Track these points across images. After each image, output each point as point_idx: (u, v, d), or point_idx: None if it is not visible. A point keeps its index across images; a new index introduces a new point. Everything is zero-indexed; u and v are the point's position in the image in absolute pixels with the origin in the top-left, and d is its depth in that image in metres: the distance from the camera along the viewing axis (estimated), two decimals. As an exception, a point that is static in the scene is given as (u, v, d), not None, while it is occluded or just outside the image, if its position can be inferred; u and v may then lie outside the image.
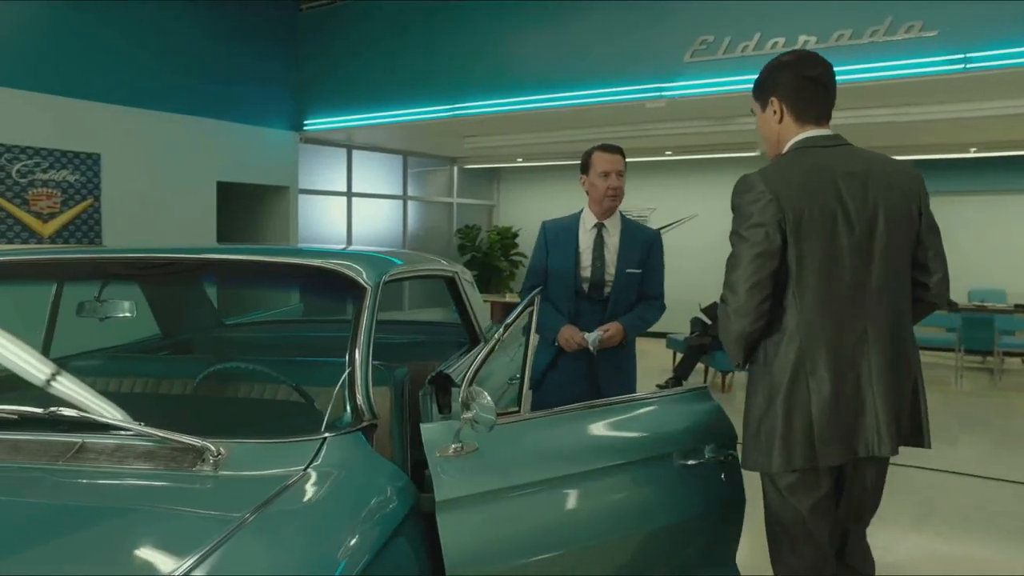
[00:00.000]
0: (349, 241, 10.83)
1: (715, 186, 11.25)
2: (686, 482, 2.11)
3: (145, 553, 1.27)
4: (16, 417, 1.70)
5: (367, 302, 2.06)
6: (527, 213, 12.60)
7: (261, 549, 1.29)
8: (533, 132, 8.66)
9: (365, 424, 1.83)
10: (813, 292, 1.94)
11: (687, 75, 6.63)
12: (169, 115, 7.81)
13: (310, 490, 1.52)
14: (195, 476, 1.54)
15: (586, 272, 3.13)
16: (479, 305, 3.42)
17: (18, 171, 6.75)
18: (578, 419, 2.07)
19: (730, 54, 6.40)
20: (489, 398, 1.76)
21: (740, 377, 8.73)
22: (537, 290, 2.15)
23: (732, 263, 2.00)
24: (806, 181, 1.97)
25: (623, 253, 3.12)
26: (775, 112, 2.10)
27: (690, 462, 2.12)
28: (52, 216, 7.01)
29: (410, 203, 11.95)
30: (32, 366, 2.07)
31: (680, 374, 7.77)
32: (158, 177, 7.76)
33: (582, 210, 3.27)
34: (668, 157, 10.24)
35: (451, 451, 1.81)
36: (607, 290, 3.11)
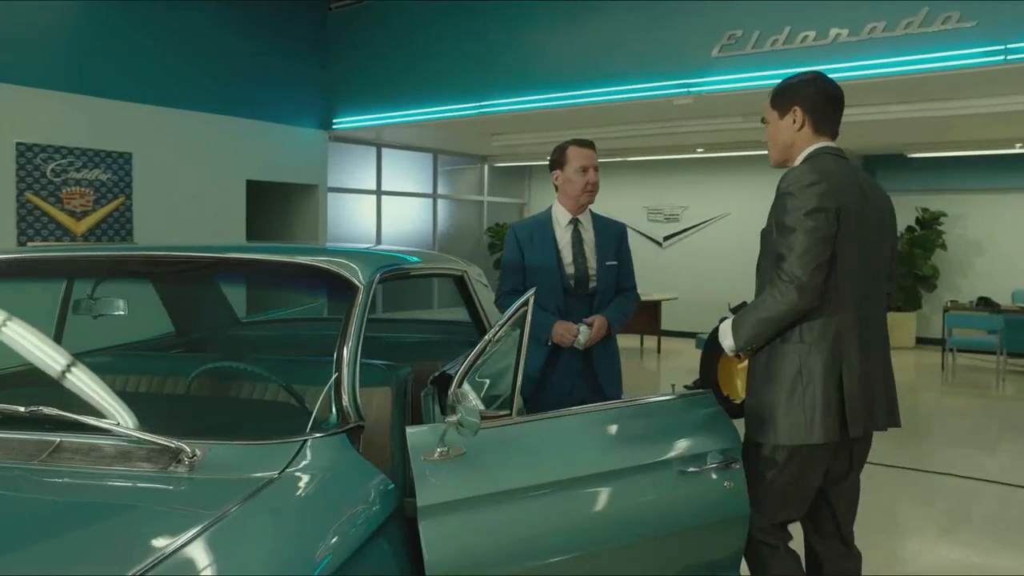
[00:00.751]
0: (378, 239, 10.86)
1: (748, 184, 11.09)
2: (686, 489, 2.03)
3: (97, 555, 1.24)
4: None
5: (358, 301, 2.02)
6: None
7: (218, 555, 1.26)
8: (560, 130, 8.56)
9: (351, 426, 1.79)
10: (847, 281, 2.17)
11: (715, 71, 6.50)
12: (199, 114, 7.90)
13: (281, 495, 1.49)
14: (168, 477, 1.51)
15: (570, 269, 3.10)
16: (492, 305, 3.38)
17: (52, 170, 6.88)
18: (572, 423, 2.01)
19: (759, 49, 6.26)
20: (475, 400, 1.71)
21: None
22: (533, 289, 2.09)
23: (793, 245, 2.11)
24: (842, 182, 2.20)
25: (600, 247, 3.12)
26: (795, 121, 2.29)
27: (690, 469, 2.04)
28: (85, 214, 7.13)
29: (440, 201, 11.95)
30: (37, 360, 2.08)
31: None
32: (188, 176, 7.85)
33: (550, 208, 3.22)
34: (700, 155, 10.08)
35: (436, 455, 1.76)
36: (592, 284, 3.10)
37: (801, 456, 2.16)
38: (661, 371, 9.47)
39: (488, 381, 2.29)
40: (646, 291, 11.77)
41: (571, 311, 3.08)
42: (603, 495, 1.91)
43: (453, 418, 1.73)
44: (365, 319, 2.01)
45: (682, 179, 11.18)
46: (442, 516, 1.69)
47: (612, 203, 11.81)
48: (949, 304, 9.38)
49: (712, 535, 2.08)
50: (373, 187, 10.80)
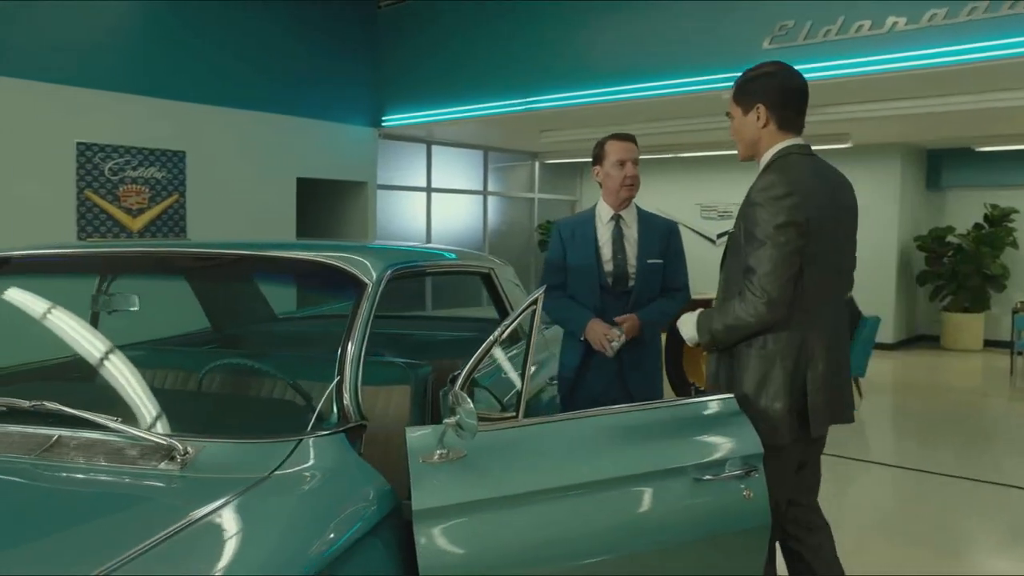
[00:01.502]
0: (428, 236, 10.91)
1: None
2: (701, 498, 1.93)
3: (61, 553, 1.23)
4: (4, 408, 1.71)
5: (366, 298, 1.99)
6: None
7: (186, 556, 1.24)
8: (609, 125, 8.42)
9: (351, 426, 1.76)
10: (815, 287, 2.20)
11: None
12: (251, 113, 8.04)
13: (266, 495, 1.46)
14: (157, 474, 1.51)
15: (608, 266, 3.03)
16: (520, 300, 3.33)
17: (110, 169, 7.09)
18: (581, 427, 1.94)
19: (812, 39, 6.04)
20: (471, 403, 1.66)
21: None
22: (540, 289, 2.03)
23: (761, 259, 2.13)
24: (813, 186, 2.20)
25: (643, 244, 3.04)
26: (758, 118, 2.25)
27: (707, 477, 1.95)
28: (141, 211, 7.33)
29: (490, 198, 11.94)
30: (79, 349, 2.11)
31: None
32: (240, 174, 8.00)
33: (595, 205, 3.16)
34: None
35: (436, 457, 1.72)
36: (631, 283, 3.02)
37: (769, 453, 2.12)
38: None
39: (539, 378, 2.22)
40: (700, 289, 11.47)
41: (607, 310, 3.01)
42: (611, 502, 1.83)
43: (452, 420, 1.69)
44: (372, 317, 1.98)
45: (737, 175, 10.87)
46: (438, 520, 1.64)
47: (665, 200, 11.62)
48: (1019, 305, 8.97)
49: (728, 547, 1.98)
50: (423, 184, 10.84)
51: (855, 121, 7.65)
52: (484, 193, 11.84)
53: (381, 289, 2.06)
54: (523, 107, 8.15)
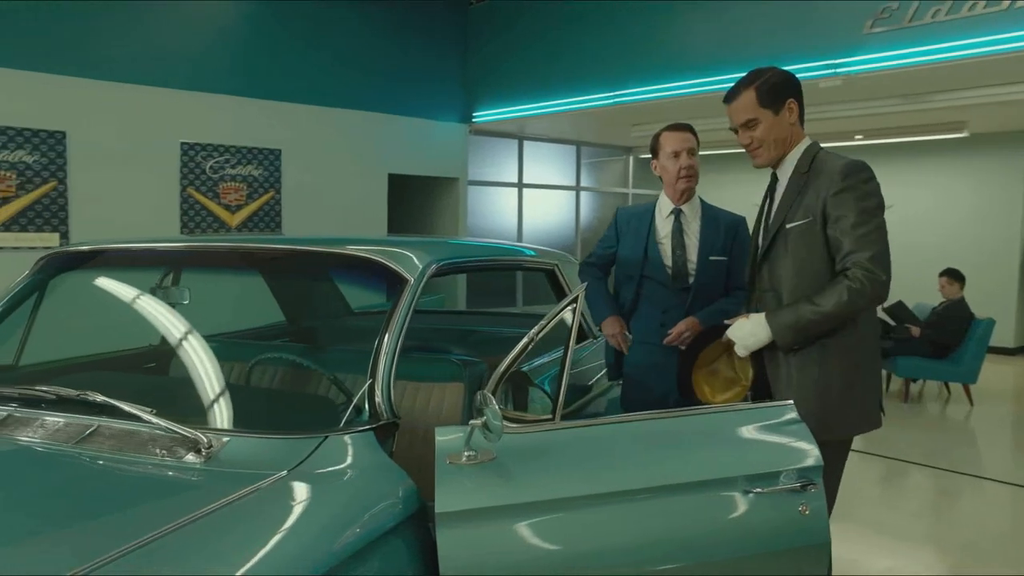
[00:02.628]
0: (519, 232, 10.90)
1: (913, 173, 10.13)
2: (750, 512, 1.80)
3: (71, 540, 1.25)
4: (54, 397, 1.77)
5: (406, 293, 1.97)
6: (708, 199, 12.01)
7: (196, 547, 1.23)
8: (701, 118, 8.17)
9: (380, 424, 1.74)
10: None
11: (867, 48, 5.93)
12: (343, 111, 8.24)
13: (282, 491, 1.45)
14: (180, 466, 1.53)
15: (667, 261, 2.91)
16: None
17: (211, 167, 7.41)
18: (622, 431, 1.85)
19: (919, 21, 5.64)
20: (496, 404, 1.60)
21: (931, 386, 7.76)
22: (581, 287, 1.95)
23: (878, 237, 2.15)
24: None
25: (705, 240, 2.91)
26: (791, 113, 2.30)
27: (758, 489, 1.82)
28: (239, 208, 7.64)
29: (583, 194, 11.82)
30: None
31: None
32: (333, 171, 8.21)
33: (658, 198, 3.05)
34: (859, 142, 9.30)
35: (464, 459, 1.67)
36: (691, 279, 2.89)
37: (845, 448, 2.29)
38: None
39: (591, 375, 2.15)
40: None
41: (670, 308, 2.90)
42: (648, 513, 1.73)
43: (478, 421, 1.64)
44: (410, 313, 1.95)
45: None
46: (461, 524, 1.59)
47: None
48: None
49: (781, 566, 1.84)
50: (514, 180, 10.84)
51: (972, 108, 7.11)
52: (577, 189, 11.73)
53: (422, 285, 2.03)
54: (613, 100, 8.01)
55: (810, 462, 1.88)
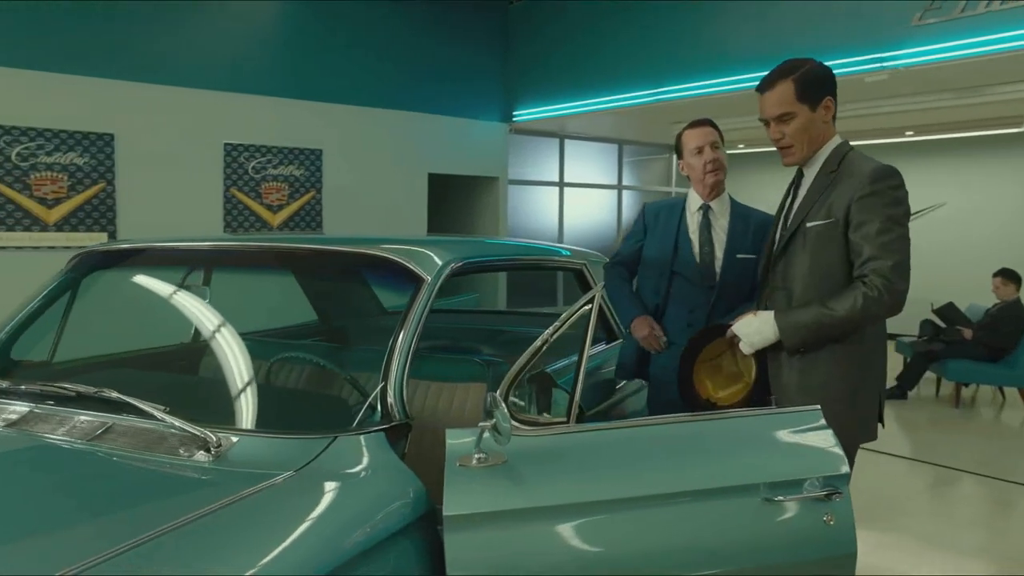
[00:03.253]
0: (560, 231, 10.85)
1: (968, 169, 9.79)
2: (770, 521, 1.74)
3: (67, 537, 1.26)
4: (74, 394, 1.80)
5: (422, 292, 1.95)
6: (752, 201, 11.80)
7: (193, 548, 1.23)
8: (742, 116, 8.04)
9: (392, 425, 1.72)
10: None
11: (915, 41, 5.74)
12: (383, 111, 8.29)
13: (286, 492, 1.45)
14: (188, 465, 1.53)
15: (696, 258, 2.85)
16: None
17: (253, 167, 7.53)
18: (639, 435, 1.80)
19: (971, 12, 5.43)
20: (504, 406, 1.57)
21: (984, 391, 7.48)
22: (598, 287, 1.90)
23: (902, 247, 2.07)
24: None
25: (732, 237, 2.84)
26: (827, 110, 2.18)
27: (780, 497, 1.75)
28: (281, 208, 7.74)
29: (625, 192, 11.71)
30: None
31: (904, 384, 6.83)
32: (373, 170, 8.27)
33: (688, 194, 2.99)
34: (910, 138, 9.03)
35: (474, 461, 1.64)
36: (717, 278, 2.83)
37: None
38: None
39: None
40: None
41: (697, 306, 2.83)
42: (663, 520, 1.68)
43: (488, 423, 1.61)
44: (426, 313, 1.93)
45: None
46: (469, 528, 1.57)
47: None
48: None
49: (802, 577, 1.78)
50: (555, 179, 10.79)
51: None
52: (619, 187, 11.62)
53: (438, 285, 2.01)
54: (654, 97, 7.91)
55: (836, 470, 1.81)
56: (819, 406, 1.91)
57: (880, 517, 4.20)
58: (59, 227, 6.53)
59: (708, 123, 2.91)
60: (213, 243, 2.35)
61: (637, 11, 7.95)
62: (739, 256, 2.83)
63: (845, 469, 1.81)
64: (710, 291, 2.81)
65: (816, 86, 2.17)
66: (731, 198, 2.96)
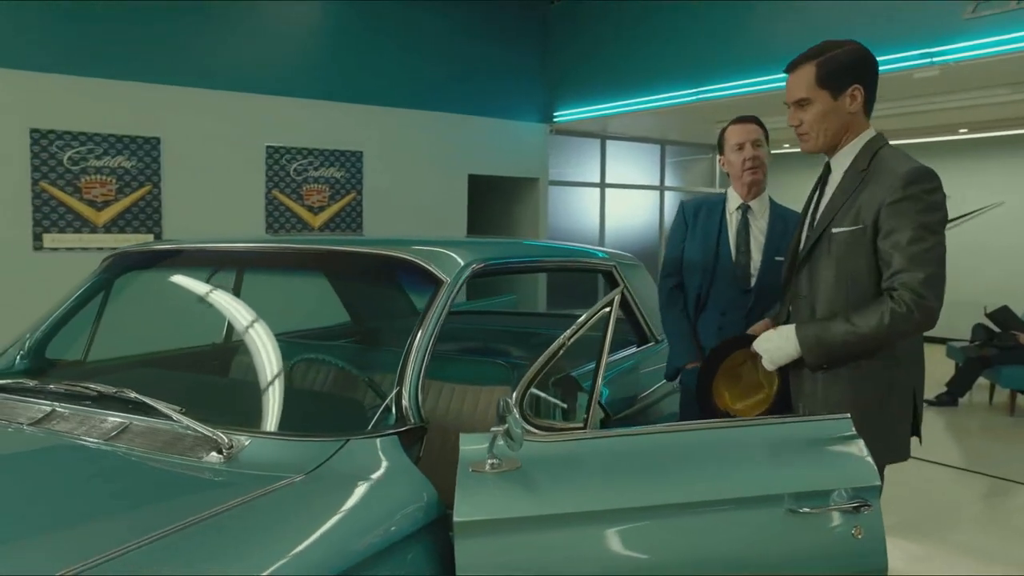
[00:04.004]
0: (601, 232, 10.77)
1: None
2: (795, 533, 1.67)
3: (69, 537, 1.26)
4: (95, 393, 1.82)
5: (441, 294, 1.93)
6: (797, 203, 11.57)
7: (196, 549, 1.23)
8: (785, 115, 7.86)
9: (406, 428, 1.71)
10: None
11: (967, 34, 5.54)
12: (423, 112, 8.33)
13: (296, 495, 1.44)
14: (199, 466, 1.53)
15: (731, 259, 2.78)
16: (651, 301, 3.14)
17: (295, 169, 7.63)
18: (659, 442, 1.75)
19: (1026, 4, 5.23)
20: (516, 411, 1.54)
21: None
22: (616, 290, 1.85)
23: (936, 258, 1.95)
24: None
25: (771, 239, 2.76)
26: (852, 100, 2.04)
27: (805, 509, 1.69)
28: (321, 209, 7.83)
29: (668, 193, 11.57)
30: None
31: (955, 390, 6.61)
32: (413, 172, 8.31)
33: (727, 192, 2.92)
34: (963, 135, 8.73)
35: (487, 467, 1.61)
36: (753, 281, 2.75)
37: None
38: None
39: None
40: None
41: (728, 308, 2.76)
42: (681, 531, 1.62)
43: (500, 428, 1.58)
44: (444, 315, 1.91)
45: (943, 165, 9.67)
46: (479, 534, 1.54)
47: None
48: None
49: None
50: (596, 180, 10.71)
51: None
52: (661, 188, 11.49)
53: (458, 287, 1.99)
54: (695, 97, 7.79)
55: (865, 481, 1.73)
56: (848, 414, 1.83)
57: (926, 529, 4.05)
58: (107, 229, 6.70)
59: (753, 120, 2.84)
60: (234, 244, 2.36)
61: (679, 10, 7.84)
62: (777, 259, 2.72)
63: (876, 480, 1.74)
64: (746, 295, 2.73)
65: (841, 72, 2.02)
66: (771, 199, 2.89)
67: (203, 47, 7.02)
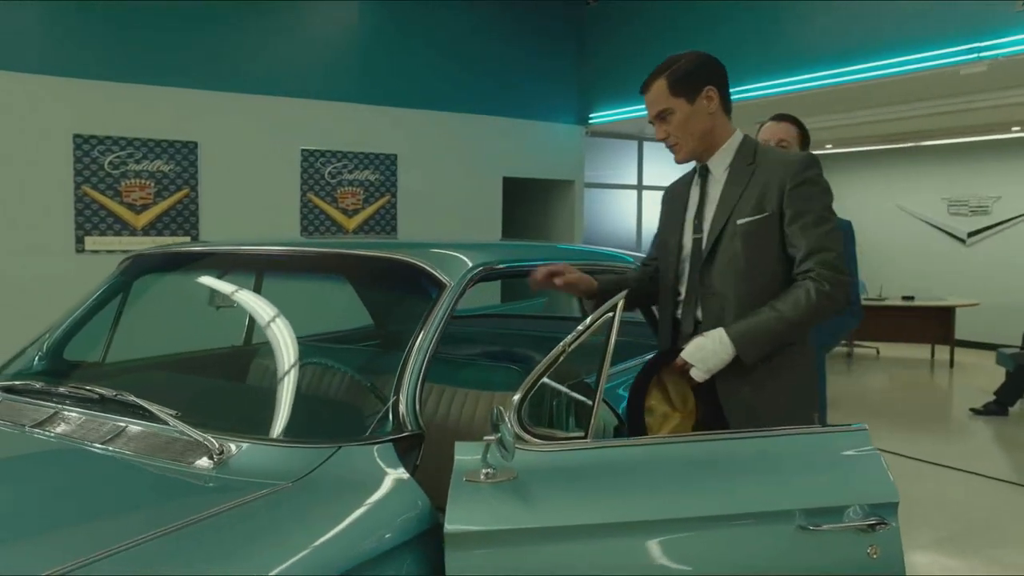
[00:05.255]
0: (638, 235, 10.65)
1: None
2: (807, 552, 1.59)
3: (42, 542, 1.25)
4: (97, 396, 1.82)
5: (443, 298, 1.89)
6: (843, 204, 11.29)
7: (168, 557, 1.20)
8: (829, 114, 7.67)
9: (402, 435, 1.67)
10: None
11: (1018, 28, 5.32)
12: (458, 115, 8.32)
13: (278, 504, 1.40)
14: (186, 471, 1.52)
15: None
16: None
17: (330, 172, 7.69)
18: (663, 453, 1.68)
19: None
20: (508, 419, 1.49)
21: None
22: (620, 295, 1.78)
23: (834, 240, 1.99)
24: None
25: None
26: (710, 101, 2.09)
27: (819, 525, 1.60)
28: (356, 212, 7.87)
29: (707, 195, 11.38)
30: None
31: (1005, 398, 6.35)
32: (447, 175, 8.31)
33: None
34: (1016, 134, 8.41)
35: (482, 476, 1.57)
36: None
37: None
38: (953, 388, 8.09)
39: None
40: (942, 293, 10.17)
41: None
42: (683, 547, 1.56)
43: (493, 436, 1.53)
44: (446, 319, 1.87)
45: (994, 165, 9.40)
46: (471, 546, 1.49)
47: (906, 195, 10.36)
48: None
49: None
50: (633, 182, 10.59)
51: None
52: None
53: (463, 289, 1.95)
54: (733, 97, 7.64)
55: (883, 497, 1.64)
56: (866, 425, 1.74)
57: (969, 545, 3.88)
58: (146, 231, 6.83)
59: (788, 120, 2.76)
60: (247, 248, 2.35)
61: (714, 10, 7.71)
62: (740, 222, 2.29)
63: (894, 497, 1.65)
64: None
65: (691, 78, 2.09)
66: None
67: (240, 52, 7.11)
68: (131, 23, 6.59)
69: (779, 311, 1.93)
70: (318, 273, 2.27)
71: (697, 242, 2.13)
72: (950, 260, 9.99)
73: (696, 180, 2.23)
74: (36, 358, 2.34)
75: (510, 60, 8.68)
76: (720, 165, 2.14)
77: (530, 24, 8.81)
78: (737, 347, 1.92)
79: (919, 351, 9.32)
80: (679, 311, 2.16)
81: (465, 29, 8.35)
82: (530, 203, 9.67)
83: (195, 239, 7.02)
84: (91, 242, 6.65)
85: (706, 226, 2.12)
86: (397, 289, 2.33)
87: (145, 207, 6.83)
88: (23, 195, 6.31)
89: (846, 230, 2.69)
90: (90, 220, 6.61)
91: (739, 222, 2.03)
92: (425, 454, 1.68)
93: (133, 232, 6.78)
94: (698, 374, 1.95)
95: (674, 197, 2.33)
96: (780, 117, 2.76)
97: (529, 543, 1.50)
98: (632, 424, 2.03)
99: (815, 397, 2.14)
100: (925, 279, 9.95)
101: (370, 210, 7.93)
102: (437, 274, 1.93)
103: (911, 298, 8.96)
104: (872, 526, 1.61)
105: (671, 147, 2.18)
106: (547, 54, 8.97)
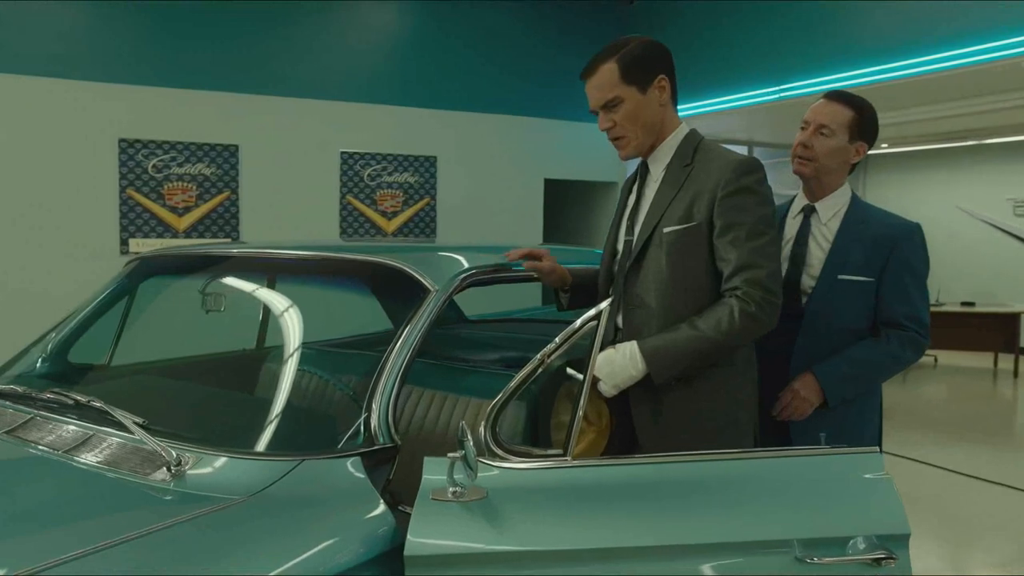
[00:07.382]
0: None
1: None
2: (805, 586, 1.45)
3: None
4: (72, 402, 1.78)
5: (426, 305, 1.81)
6: (899, 205, 10.86)
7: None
8: (885, 111, 7.34)
9: (372, 449, 1.58)
10: None
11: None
12: (498, 116, 8.25)
13: (224, 522, 1.33)
14: (141, 483, 1.46)
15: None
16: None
17: (369, 175, 7.69)
18: (650, 474, 1.55)
19: None
20: (470, 436, 1.39)
21: None
22: (605, 303, 1.65)
23: (774, 253, 1.85)
24: None
25: (841, 250, 2.15)
26: (661, 92, 1.92)
27: (818, 558, 1.46)
28: (395, 214, 7.86)
29: (757, 197, 11.09)
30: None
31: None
32: (488, 176, 8.24)
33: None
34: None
35: (449, 494, 1.47)
36: (803, 300, 2.17)
37: None
38: (1018, 399, 7.67)
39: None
40: (1005, 299, 9.70)
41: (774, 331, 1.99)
42: (665, 576, 1.43)
43: (457, 453, 1.43)
44: (428, 326, 1.78)
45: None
46: (431, 570, 1.39)
47: (970, 196, 9.90)
48: None
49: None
50: (679, 183, 10.37)
51: None
52: (749, 191, 11.02)
53: (449, 295, 1.86)
54: (777, 96, 7.40)
55: (892, 528, 1.49)
56: (878, 448, 1.59)
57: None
58: (188, 234, 6.92)
59: (840, 100, 2.22)
60: (248, 250, 2.31)
61: (759, 7, 7.48)
62: (843, 277, 2.14)
63: (905, 528, 1.49)
64: (795, 320, 2.12)
65: (645, 64, 1.90)
66: (855, 197, 2.27)
67: (279, 56, 7.17)
68: (175, 29, 6.70)
69: (699, 329, 1.77)
70: (308, 277, 2.21)
71: (628, 245, 1.99)
72: (1015, 264, 9.49)
73: (636, 178, 2.07)
74: (39, 360, 2.33)
75: (551, 61, 8.57)
76: (659, 163, 1.97)
77: (571, 24, 8.69)
78: (648, 364, 1.78)
79: (980, 360, 8.88)
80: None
81: (505, 30, 8.27)
82: (572, 205, 9.54)
83: (235, 241, 7.09)
84: (135, 244, 6.77)
85: (636, 230, 1.97)
86: (382, 294, 2.25)
87: (187, 210, 6.93)
88: (70, 199, 6.46)
89: (915, 234, 2.19)
90: (134, 223, 6.73)
91: (665, 230, 1.86)
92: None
93: (175, 235, 6.89)
94: (606, 388, 1.82)
95: (623, 191, 2.19)
96: (832, 96, 2.25)
97: (492, 567, 1.40)
98: (543, 438, 1.93)
99: (748, 425, 1.91)
100: (987, 284, 9.50)
101: (409, 212, 7.91)
102: (422, 279, 1.84)
103: (971, 304, 8.56)
104: (879, 560, 1.45)
105: (616, 140, 1.98)
106: (588, 55, 8.71)
